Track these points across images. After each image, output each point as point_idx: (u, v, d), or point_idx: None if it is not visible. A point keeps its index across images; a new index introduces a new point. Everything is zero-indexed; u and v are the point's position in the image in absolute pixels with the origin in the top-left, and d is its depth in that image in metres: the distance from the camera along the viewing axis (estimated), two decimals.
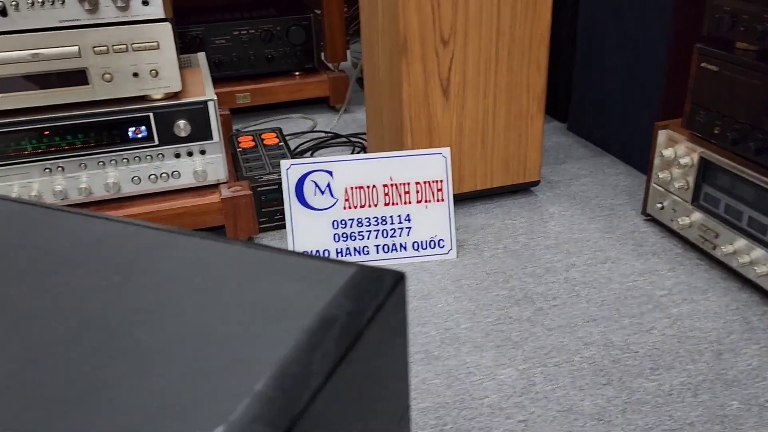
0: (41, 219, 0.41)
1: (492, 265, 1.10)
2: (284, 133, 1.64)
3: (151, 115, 1.07)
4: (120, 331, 0.30)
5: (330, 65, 1.87)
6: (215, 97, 1.10)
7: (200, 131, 1.10)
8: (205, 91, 1.14)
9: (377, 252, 1.12)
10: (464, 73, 1.17)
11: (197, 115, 1.09)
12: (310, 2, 1.97)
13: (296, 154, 1.55)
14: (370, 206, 1.11)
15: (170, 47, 1.05)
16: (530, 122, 1.25)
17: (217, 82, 1.79)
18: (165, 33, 1.04)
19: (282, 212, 1.23)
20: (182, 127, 1.08)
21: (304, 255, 0.36)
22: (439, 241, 1.12)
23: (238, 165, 1.29)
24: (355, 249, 1.11)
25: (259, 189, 1.20)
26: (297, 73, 1.85)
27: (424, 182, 1.11)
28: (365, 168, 1.10)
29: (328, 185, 1.10)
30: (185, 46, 1.71)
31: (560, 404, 0.81)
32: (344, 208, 1.10)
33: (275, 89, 1.80)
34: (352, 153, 1.56)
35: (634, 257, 1.11)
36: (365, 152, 1.56)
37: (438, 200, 1.12)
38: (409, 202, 1.11)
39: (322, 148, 1.62)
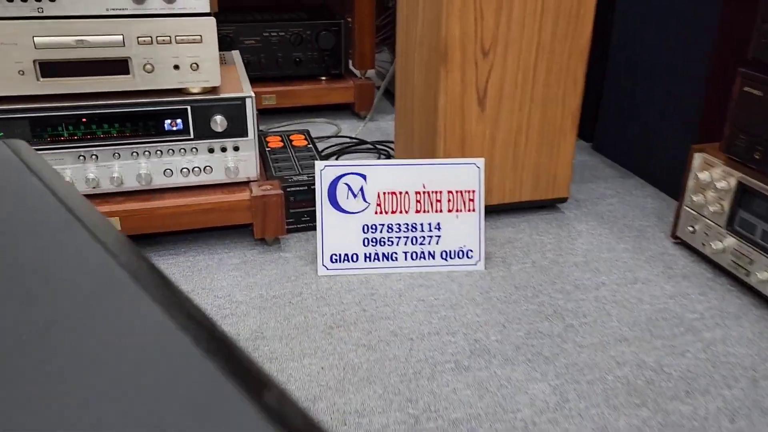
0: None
1: (520, 279, 1.09)
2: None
3: (188, 108, 1.07)
4: None
5: (357, 72, 1.87)
6: (252, 95, 1.10)
7: (236, 127, 1.10)
8: (242, 87, 1.13)
9: (405, 259, 1.11)
10: (501, 85, 1.17)
11: (234, 111, 1.09)
12: (341, 9, 1.98)
13: (322, 157, 1.54)
14: (401, 212, 1.10)
15: (212, 42, 1.05)
16: (563, 138, 1.25)
17: None
18: (208, 27, 1.04)
19: (309, 214, 1.23)
20: (219, 122, 1.08)
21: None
22: (467, 251, 1.12)
23: (267, 164, 1.28)
24: (383, 255, 1.10)
25: (288, 189, 1.19)
26: (323, 78, 1.85)
27: (456, 191, 1.11)
28: (399, 174, 1.09)
29: (361, 189, 1.09)
30: None
31: (594, 422, 0.80)
32: (376, 212, 1.10)
33: (301, 92, 1.80)
34: (378, 157, 1.56)
35: (664, 279, 1.10)
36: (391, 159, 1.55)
37: (469, 210, 1.11)
38: (440, 211, 1.11)
39: (347, 153, 1.62)
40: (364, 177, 1.09)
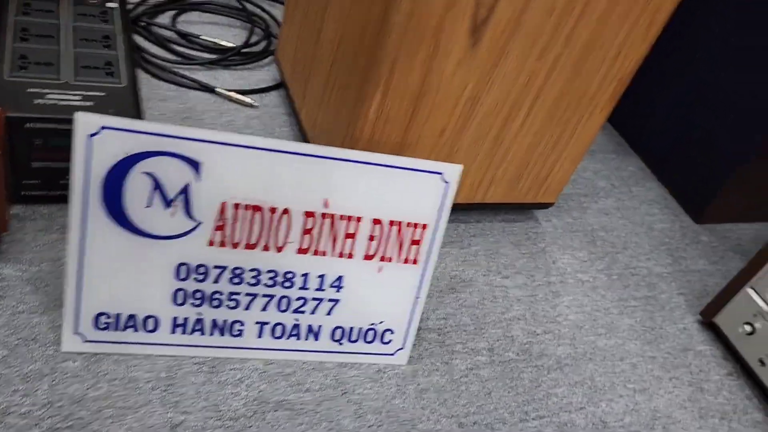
0: None
1: (468, 396, 0.58)
2: None
3: None
4: None
5: None
6: None
7: None
8: None
9: (259, 335, 0.54)
10: (526, 5, 0.56)
11: None
12: None
13: (138, 18, 0.85)
14: (266, 248, 0.51)
15: None
16: (587, 117, 0.69)
17: None
18: None
19: None
20: None
21: None
22: (384, 332, 0.57)
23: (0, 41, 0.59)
24: (215, 324, 0.53)
25: (31, 125, 0.54)
26: None
27: (392, 223, 0.53)
28: (277, 169, 0.49)
29: (185, 190, 0.48)
30: None
31: None
32: (211, 242, 0.50)
33: None
34: (249, 37, 0.89)
35: (695, 418, 0.65)
36: (270, 44, 0.90)
37: (406, 261, 0.55)
38: (350, 255, 0.54)
39: (188, 9, 0.92)
40: (195, 165, 0.47)
